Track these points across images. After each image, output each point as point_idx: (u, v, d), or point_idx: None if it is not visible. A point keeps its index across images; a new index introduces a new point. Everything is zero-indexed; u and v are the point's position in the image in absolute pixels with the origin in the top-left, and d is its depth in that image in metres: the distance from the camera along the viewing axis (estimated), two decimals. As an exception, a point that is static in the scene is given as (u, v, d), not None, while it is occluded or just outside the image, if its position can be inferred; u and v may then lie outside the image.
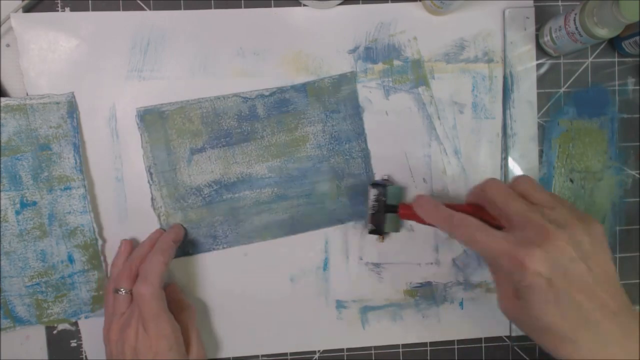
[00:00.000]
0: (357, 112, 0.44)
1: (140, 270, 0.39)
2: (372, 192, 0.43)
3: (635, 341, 0.29)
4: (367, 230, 0.44)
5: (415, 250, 0.46)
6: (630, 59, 0.46)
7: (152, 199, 0.43)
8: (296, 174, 0.44)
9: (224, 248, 0.44)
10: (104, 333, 0.40)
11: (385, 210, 0.43)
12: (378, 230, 0.43)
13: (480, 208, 0.36)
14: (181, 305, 0.41)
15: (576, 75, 0.46)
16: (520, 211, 0.32)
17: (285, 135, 0.44)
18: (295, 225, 0.45)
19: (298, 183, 0.44)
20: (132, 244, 0.43)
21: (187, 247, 0.44)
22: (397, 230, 0.44)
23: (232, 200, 0.44)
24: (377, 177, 0.45)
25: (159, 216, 0.43)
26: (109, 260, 0.43)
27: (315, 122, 0.44)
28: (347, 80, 0.44)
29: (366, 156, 0.44)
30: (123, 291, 0.39)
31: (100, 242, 0.43)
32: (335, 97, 0.44)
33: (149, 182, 0.43)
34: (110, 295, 0.39)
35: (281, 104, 0.44)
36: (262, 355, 0.46)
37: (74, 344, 0.44)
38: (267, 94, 0.43)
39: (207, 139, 0.43)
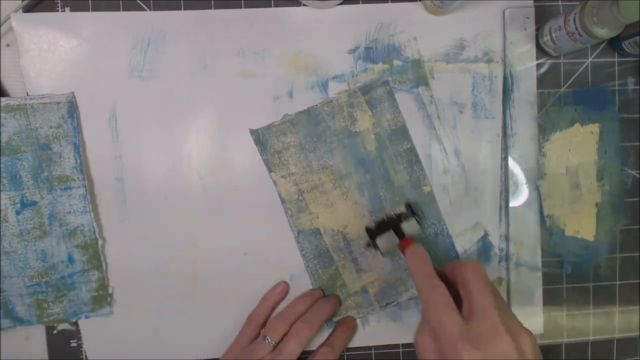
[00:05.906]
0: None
1: (293, 327, 0.40)
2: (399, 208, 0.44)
3: None
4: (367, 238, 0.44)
5: (415, 250, 0.45)
6: (630, 59, 0.46)
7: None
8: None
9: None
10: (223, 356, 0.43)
11: (394, 229, 0.42)
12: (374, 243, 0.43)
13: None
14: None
15: (576, 75, 0.46)
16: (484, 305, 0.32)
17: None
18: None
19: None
20: (287, 288, 0.45)
21: None
22: (388, 253, 0.43)
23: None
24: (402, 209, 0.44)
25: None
26: (109, 260, 0.43)
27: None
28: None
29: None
30: (271, 342, 0.40)
31: (100, 242, 0.43)
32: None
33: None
34: (251, 329, 0.42)
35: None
36: (262, 355, 0.46)
37: (74, 344, 0.44)
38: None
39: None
